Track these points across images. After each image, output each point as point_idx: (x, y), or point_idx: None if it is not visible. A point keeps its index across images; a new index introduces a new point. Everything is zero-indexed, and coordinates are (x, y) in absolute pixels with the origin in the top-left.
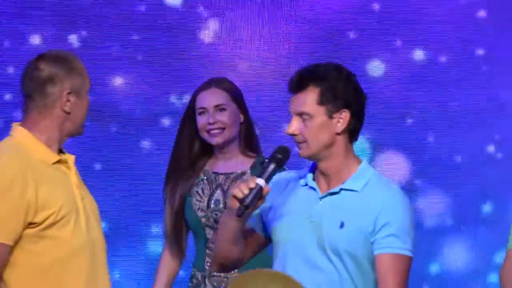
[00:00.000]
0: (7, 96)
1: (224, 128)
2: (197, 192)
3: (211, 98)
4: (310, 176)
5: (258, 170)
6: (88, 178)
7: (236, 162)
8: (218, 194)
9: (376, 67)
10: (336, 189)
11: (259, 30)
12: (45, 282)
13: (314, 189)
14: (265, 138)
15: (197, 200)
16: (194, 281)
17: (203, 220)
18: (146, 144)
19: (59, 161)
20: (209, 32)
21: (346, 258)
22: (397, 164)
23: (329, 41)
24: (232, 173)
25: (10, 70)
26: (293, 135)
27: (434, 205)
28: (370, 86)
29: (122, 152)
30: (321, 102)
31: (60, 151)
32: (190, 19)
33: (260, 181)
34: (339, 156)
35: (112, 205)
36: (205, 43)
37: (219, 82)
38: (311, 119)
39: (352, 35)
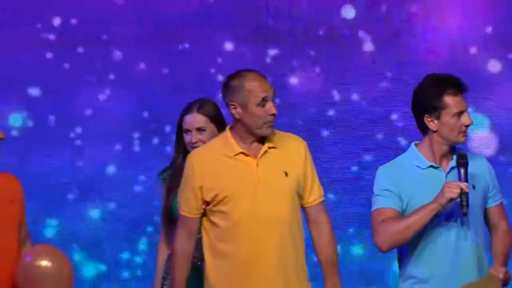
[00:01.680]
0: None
1: None
2: None
3: (193, 121)
4: (423, 158)
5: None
6: None
7: None
8: None
9: None
10: (454, 164)
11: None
12: (222, 244)
13: (436, 167)
14: None
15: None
16: None
17: None
18: (325, 133)
19: (241, 153)
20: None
21: (478, 212)
22: None
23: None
24: None
25: (210, 73)
26: (469, 125)
27: None
28: None
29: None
30: None
31: (269, 141)
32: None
33: (466, 184)
34: None
35: None
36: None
37: (200, 107)
38: None
39: None
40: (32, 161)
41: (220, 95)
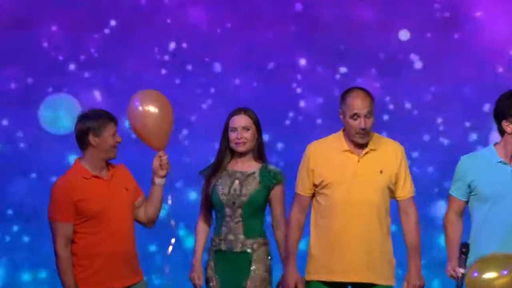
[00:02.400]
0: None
1: (246, 142)
2: (221, 182)
3: (240, 121)
4: (496, 154)
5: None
6: None
7: (249, 164)
8: (235, 184)
9: None
10: None
11: None
12: (322, 219)
13: (504, 163)
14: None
15: (221, 188)
16: (214, 243)
17: (224, 201)
18: (383, 134)
19: (347, 150)
20: None
21: None
22: None
23: None
24: (246, 171)
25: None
26: None
27: None
28: None
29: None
30: None
31: (371, 144)
32: None
33: (463, 271)
34: None
35: None
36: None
37: (246, 111)
38: None
39: None
40: (148, 157)
41: (299, 104)
